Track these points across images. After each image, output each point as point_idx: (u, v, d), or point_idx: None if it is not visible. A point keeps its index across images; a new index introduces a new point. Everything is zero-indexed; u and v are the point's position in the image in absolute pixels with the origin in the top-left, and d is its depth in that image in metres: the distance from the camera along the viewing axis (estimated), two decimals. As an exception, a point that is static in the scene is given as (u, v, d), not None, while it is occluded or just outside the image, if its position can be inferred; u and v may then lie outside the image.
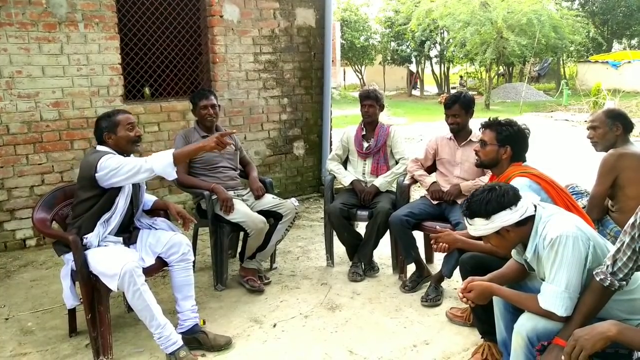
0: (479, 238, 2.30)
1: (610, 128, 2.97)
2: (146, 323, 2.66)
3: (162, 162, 2.63)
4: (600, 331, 1.69)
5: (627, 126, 2.98)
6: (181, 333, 2.80)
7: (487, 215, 2.09)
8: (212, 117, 3.69)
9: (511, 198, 2.09)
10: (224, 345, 2.85)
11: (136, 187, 2.93)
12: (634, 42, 28.94)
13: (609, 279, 1.89)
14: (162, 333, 2.65)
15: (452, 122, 3.55)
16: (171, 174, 2.67)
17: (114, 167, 2.64)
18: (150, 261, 2.82)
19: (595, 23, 25.66)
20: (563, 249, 1.98)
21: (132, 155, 2.91)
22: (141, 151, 2.95)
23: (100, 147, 2.82)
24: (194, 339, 2.84)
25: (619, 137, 2.96)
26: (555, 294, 1.98)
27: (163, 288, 3.61)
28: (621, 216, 2.82)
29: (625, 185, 2.83)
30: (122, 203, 2.81)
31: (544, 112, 16.84)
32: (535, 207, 2.15)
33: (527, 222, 2.11)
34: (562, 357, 1.76)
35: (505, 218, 2.08)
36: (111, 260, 2.62)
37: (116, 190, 2.77)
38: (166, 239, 2.87)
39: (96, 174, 2.66)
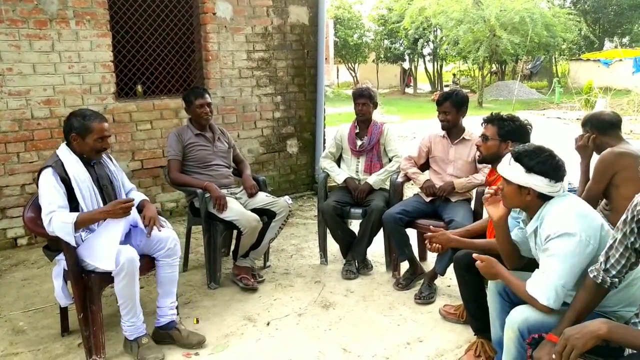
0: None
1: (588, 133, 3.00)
2: (124, 311, 2.68)
3: (63, 230, 2.57)
4: (591, 330, 1.69)
5: (601, 126, 2.98)
6: (157, 327, 2.85)
7: (529, 169, 2.12)
8: (208, 116, 3.69)
9: (557, 173, 2.12)
10: (196, 344, 2.84)
11: (109, 189, 2.85)
12: (625, 40, 29.12)
13: (601, 275, 1.90)
14: (135, 322, 2.70)
15: (443, 119, 3.57)
16: (71, 241, 2.60)
17: (38, 190, 2.65)
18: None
19: (587, 21, 25.77)
20: (562, 244, 1.99)
21: (94, 160, 2.81)
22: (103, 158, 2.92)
23: (60, 150, 2.73)
24: (167, 334, 2.85)
25: (603, 138, 2.96)
26: (544, 282, 2.01)
27: (155, 287, 3.58)
28: (615, 215, 2.79)
29: (621, 185, 2.82)
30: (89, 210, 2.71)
31: (536, 110, 16.90)
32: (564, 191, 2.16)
33: (547, 199, 2.14)
34: (554, 357, 1.76)
35: (538, 183, 2.11)
36: (103, 242, 2.61)
37: (75, 203, 2.68)
38: (152, 235, 2.83)
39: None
